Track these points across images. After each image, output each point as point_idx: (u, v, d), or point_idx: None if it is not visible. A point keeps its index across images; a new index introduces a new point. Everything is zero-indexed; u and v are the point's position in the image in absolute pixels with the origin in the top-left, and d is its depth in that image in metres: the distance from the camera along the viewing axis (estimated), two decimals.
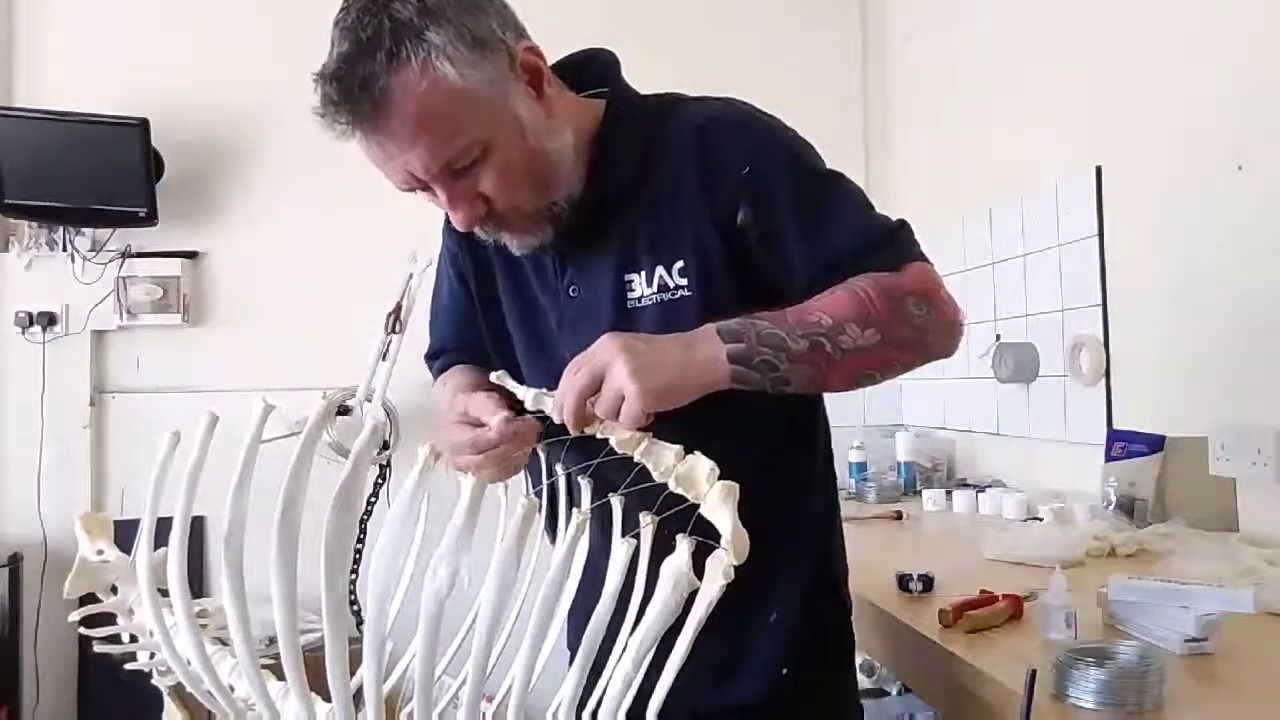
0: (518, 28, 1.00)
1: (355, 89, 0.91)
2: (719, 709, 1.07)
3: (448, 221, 1.21)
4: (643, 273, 1.04)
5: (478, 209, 0.99)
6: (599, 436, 0.90)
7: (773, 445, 1.07)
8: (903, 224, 1.03)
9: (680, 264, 1.03)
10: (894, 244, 1.01)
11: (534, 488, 1.08)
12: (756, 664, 1.08)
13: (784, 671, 1.08)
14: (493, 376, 1.03)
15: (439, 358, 1.30)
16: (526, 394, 0.98)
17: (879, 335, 0.94)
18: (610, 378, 0.88)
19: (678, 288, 1.03)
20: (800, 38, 3.41)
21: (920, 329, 0.97)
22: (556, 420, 0.92)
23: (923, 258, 1.01)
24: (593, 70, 1.11)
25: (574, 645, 0.89)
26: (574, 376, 0.90)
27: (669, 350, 0.90)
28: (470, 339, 1.24)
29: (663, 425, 0.89)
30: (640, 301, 1.04)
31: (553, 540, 1.10)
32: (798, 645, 1.09)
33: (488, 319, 1.19)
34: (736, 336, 0.91)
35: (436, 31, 0.92)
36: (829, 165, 1.06)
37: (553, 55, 1.13)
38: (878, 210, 1.04)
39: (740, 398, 0.94)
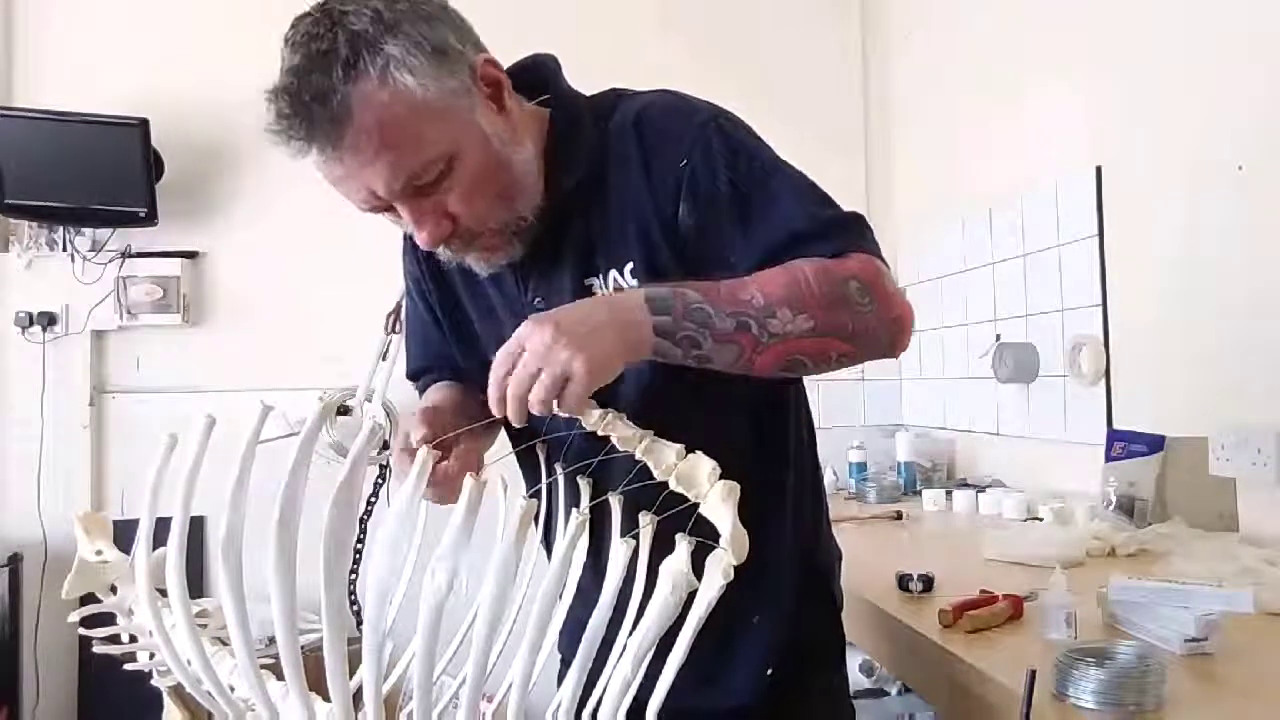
0: (475, 41, 0.97)
1: (310, 102, 0.86)
2: (707, 711, 1.06)
3: (407, 247, 1.18)
4: (599, 276, 1.02)
5: (444, 227, 0.96)
6: (600, 433, 0.90)
7: (746, 445, 1.06)
8: (855, 216, 0.99)
9: (630, 265, 1.00)
10: (839, 232, 0.96)
11: (534, 488, 1.08)
12: (741, 666, 1.07)
13: (769, 673, 1.07)
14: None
15: (419, 378, 1.27)
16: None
17: (812, 321, 0.90)
18: (550, 360, 0.83)
19: (631, 289, 0.99)
20: (800, 37, 3.41)
21: (859, 317, 0.92)
22: (496, 414, 0.88)
23: (872, 250, 0.97)
24: (533, 77, 1.07)
25: (567, 653, 0.88)
26: (505, 363, 0.86)
27: (598, 318, 0.86)
28: (442, 359, 1.22)
29: (637, 421, 0.88)
30: None
31: (548, 547, 1.09)
32: (783, 646, 1.08)
33: (457, 337, 1.17)
34: (665, 308, 0.87)
35: (394, 42, 0.88)
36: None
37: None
38: (836, 202, 1.00)
39: (709, 393, 0.94)
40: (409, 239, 1.13)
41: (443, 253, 1.01)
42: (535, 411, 0.85)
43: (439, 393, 1.18)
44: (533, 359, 0.84)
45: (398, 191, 0.92)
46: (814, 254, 0.93)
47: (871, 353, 0.96)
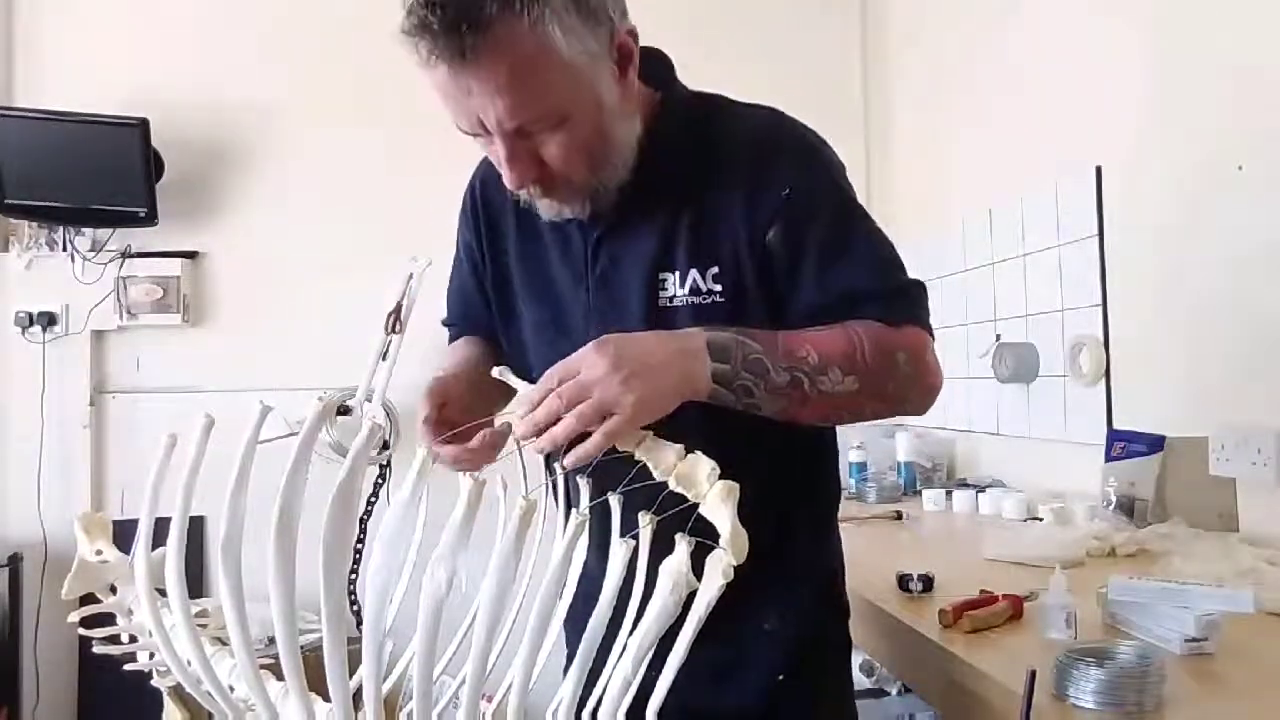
0: (623, 9, 1.00)
1: (458, 19, 0.87)
2: (714, 711, 1.06)
3: (464, 208, 1.23)
4: (677, 273, 1.05)
5: (532, 172, 0.98)
6: (638, 456, 0.90)
7: (781, 456, 1.08)
8: (918, 285, 1.06)
9: (715, 270, 1.04)
10: (903, 299, 1.04)
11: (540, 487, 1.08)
12: (752, 670, 1.09)
13: (780, 678, 1.09)
14: (495, 372, 1.02)
15: (451, 327, 1.34)
16: (527, 390, 0.98)
17: (858, 384, 0.97)
18: (601, 392, 0.86)
19: (710, 292, 1.04)
20: (800, 37, 3.41)
21: (901, 386, 1.00)
22: (521, 432, 0.91)
23: (925, 323, 1.05)
24: (648, 66, 1.10)
25: (572, 648, 0.89)
26: (554, 385, 0.88)
27: (659, 357, 0.90)
28: (475, 320, 1.27)
29: (670, 428, 0.89)
30: (672, 301, 1.05)
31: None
32: (794, 653, 1.09)
33: (499, 302, 1.20)
34: (724, 356, 0.92)
35: None
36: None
37: None
38: (904, 266, 1.06)
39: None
40: (468, 201, 1.22)
41: (524, 194, 1.04)
42: (559, 438, 0.87)
43: (456, 354, 1.23)
44: (582, 388, 0.87)
45: (505, 131, 0.94)
46: (873, 313, 1.00)
47: (902, 412, 1.06)
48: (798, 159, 1.04)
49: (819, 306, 1.02)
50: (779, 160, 1.03)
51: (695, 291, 1.04)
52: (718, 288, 1.04)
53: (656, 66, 1.11)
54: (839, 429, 1.19)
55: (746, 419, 0.96)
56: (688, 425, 0.94)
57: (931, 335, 1.05)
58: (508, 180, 0.99)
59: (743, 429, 0.97)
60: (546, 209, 1.05)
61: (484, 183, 1.20)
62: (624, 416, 0.86)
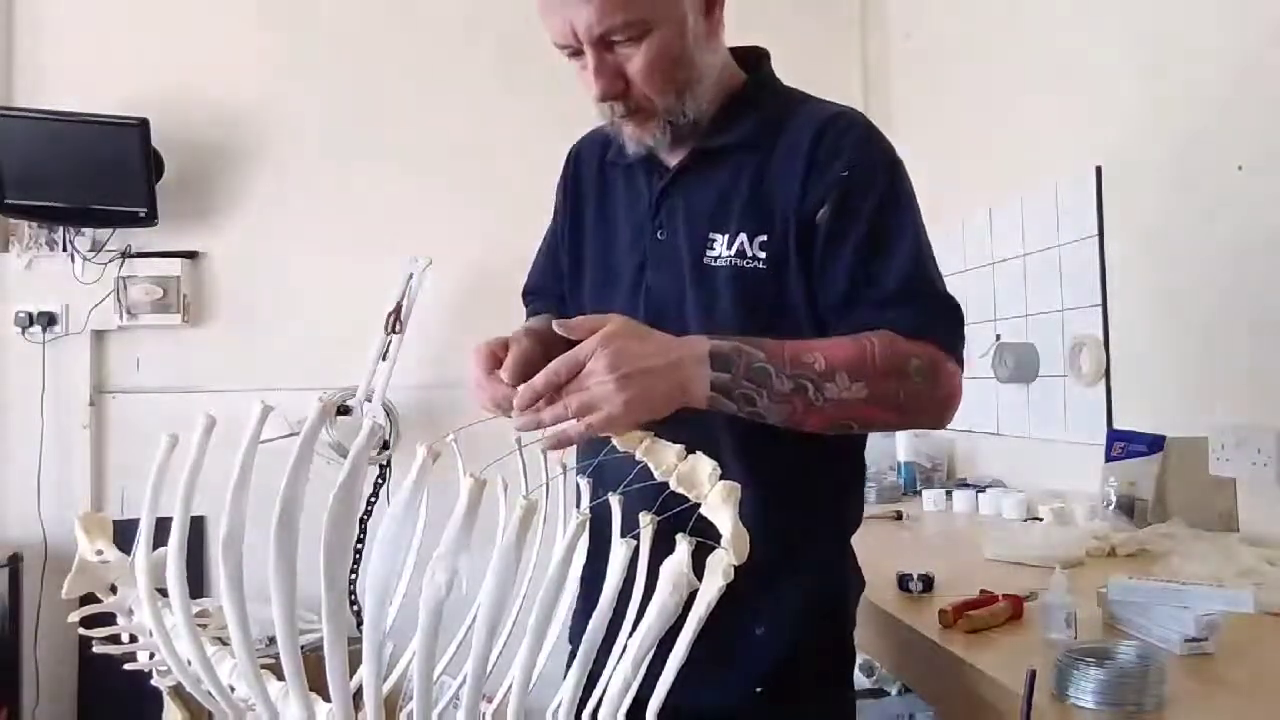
0: None
1: None
2: (696, 710, 1.05)
3: (561, 176, 1.29)
4: (726, 235, 1.08)
5: (617, 86, 1.04)
6: (638, 456, 0.90)
7: (805, 463, 1.08)
8: (951, 305, 1.05)
9: (763, 238, 1.06)
10: (929, 307, 1.03)
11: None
12: (733, 673, 1.07)
13: (758, 690, 1.07)
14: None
15: (530, 295, 1.37)
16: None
17: (866, 390, 0.96)
18: (595, 387, 0.88)
19: (754, 258, 1.06)
20: (800, 37, 3.40)
21: (912, 395, 0.98)
22: (519, 405, 0.92)
23: (948, 342, 1.02)
24: (749, 56, 1.19)
25: (573, 648, 0.89)
26: (557, 376, 0.90)
27: (657, 362, 0.91)
28: (551, 295, 1.31)
29: (684, 424, 0.91)
30: (716, 261, 1.08)
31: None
32: (781, 661, 1.08)
33: (571, 260, 1.25)
34: (726, 365, 0.93)
35: None
36: None
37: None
38: (943, 281, 1.07)
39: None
40: (564, 168, 1.28)
41: (609, 111, 1.08)
42: (545, 420, 0.91)
43: (527, 323, 1.26)
44: (579, 380, 0.89)
45: (592, 39, 1.01)
46: (895, 316, 1.00)
47: (917, 424, 1.06)
48: (865, 145, 1.07)
49: (845, 295, 1.03)
50: (846, 140, 1.06)
51: (740, 255, 1.07)
52: (762, 254, 1.06)
53: (754, 56, 1.19)
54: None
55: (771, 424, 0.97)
56: (715, 427, 0.99)
57: (958, 361, 1.03)
58: (595, 92, 1.04)
59: (768, 433, 0.98)
60: (630, 136, 1.09)
61: (580, 150, 1.28)
62: (608, 413, 0.88)
